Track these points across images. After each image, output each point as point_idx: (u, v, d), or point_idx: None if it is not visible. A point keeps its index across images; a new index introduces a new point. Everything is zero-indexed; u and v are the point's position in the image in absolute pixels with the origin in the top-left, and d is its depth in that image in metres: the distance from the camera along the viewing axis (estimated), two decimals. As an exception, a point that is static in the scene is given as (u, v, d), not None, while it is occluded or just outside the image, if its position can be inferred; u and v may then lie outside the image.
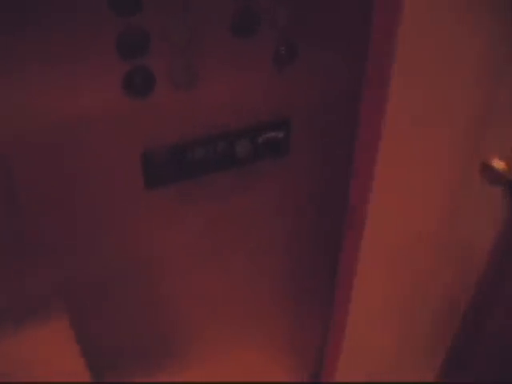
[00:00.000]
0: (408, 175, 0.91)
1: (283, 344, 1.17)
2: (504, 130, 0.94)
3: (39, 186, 0.72)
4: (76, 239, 0.79)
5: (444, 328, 1.29)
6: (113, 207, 0.78)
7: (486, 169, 0.90)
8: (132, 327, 0.96)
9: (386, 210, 0.94)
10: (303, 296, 1.11)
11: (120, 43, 0.63)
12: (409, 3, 0.71)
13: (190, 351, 1.08)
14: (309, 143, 0.86)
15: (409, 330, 1.25)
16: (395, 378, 1.30)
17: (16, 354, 0.87)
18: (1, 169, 0.68)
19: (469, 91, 0.86)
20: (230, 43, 0.70)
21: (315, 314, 1.16)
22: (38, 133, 0.67)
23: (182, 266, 0.90)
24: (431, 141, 0.89)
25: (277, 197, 0.90)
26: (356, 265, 1.01)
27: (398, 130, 0.83)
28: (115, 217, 0.79)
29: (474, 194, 1.00)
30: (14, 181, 0.70)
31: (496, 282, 1.13)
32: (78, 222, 0.77)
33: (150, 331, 0.98)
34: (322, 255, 1.04)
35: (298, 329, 1.16)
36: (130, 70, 0.66)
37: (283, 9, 0.70)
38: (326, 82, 0.80)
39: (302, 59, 0.76)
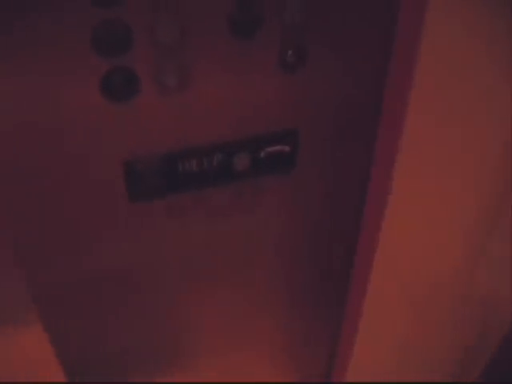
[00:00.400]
0: (425, 211, 0.82)
1: (293, 346, 1.08)
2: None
3: (16, 192, 0.64)
4: (55, 247, 0.72)
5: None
6: (95, 218, 0.70)
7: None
8: (107, 340, 0.89)
9: (400, 237, 0.84)
10: (307, 318, 1.02)
11: (96, 38, 0.55)
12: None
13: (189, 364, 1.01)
14: (318, 158, 0.76)
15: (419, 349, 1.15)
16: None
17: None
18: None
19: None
20: (228, 42, 0.60)
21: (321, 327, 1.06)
22: (10, 137, 0.59)
23: (170, 284, 0.82)
24: (454, 179, 0.79)
25: (280, 217, 0.81)
26: (364, 297, 0.91)
27: (414, 159, 0.73)
28: (97, 229, 0.71)
29: (499, 243, 0.89)
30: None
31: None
32: (56, 229, 0.70)
33: (132, 344, 0.91)
34: (329, 280, 0.94)
35: (308, 332, 1.06)
36: (109, 69, 0.57)
37: (292, 5, 0.60)
38: (338, 91, 0.69)
39: (312, 64, 0.66)
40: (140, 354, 0.94)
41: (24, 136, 0.60)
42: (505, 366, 1.11)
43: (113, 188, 0.67)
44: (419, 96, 0.67)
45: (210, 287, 0.86)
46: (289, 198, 0.79)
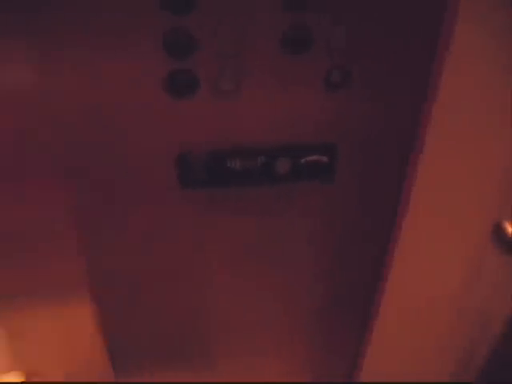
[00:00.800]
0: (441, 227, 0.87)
1: (317, 347, 1.12)
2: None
3: (82, 177, 0.75)
4: (107, 228, 0.82)
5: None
6: (146, 200, 0.79)
7: (498, 232, 0.82)
8: (154, 326, 0.97)
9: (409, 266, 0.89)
10: (334, 316, 1.06)
11: (167, 41, 0.64)
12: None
13: (216, 357, 1.08)
14: (355, 171, 0.82)
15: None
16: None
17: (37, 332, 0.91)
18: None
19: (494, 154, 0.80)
20: (279, 58, 0.68)
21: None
22: (77, 118, 0.69)
23: (206, 270, 0.90)
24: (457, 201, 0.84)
25: (315, 223, 0.87)
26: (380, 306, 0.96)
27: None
28: (146, 210, 0.80)
29: (491, 259, 0.92)
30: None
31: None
32: (115, 212, 0.80)
33: (173, 330, 0.99)
34: (356, 289, 0.99)
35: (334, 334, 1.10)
36: (173, 69, 0.66)
37: (340, 30, 0.67)
38: (379, 110, 0.75)
39: (355, 84, 0.72)
40: (176, 348, 1.02)
41: (93, 122, 0.70)
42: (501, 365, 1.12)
43: (166, 176, 0.76)
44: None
45: (239, 284, 0.93)
46: (325, 206, 0.85)
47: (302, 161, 0.79)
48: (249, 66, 0.69)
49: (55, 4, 0.61)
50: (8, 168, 0.73)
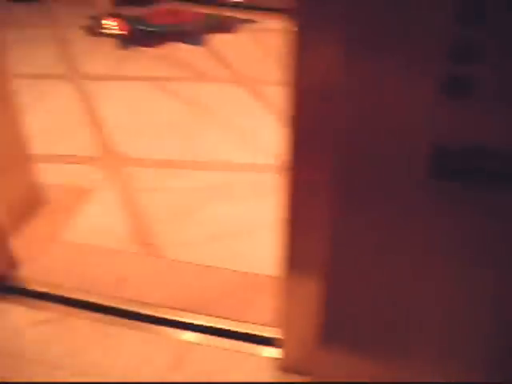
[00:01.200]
0: None
1: None
2: None
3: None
4: (352, 209, 0.98)
5: None
6: (395, 185, 0.94)
7: None
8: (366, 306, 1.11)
9: None
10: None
11: (453, 49, 0.79)
12: None
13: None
14: None
15: None
16: None
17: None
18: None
19: None
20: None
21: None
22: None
23: (425, 259, 1.01)
24: None
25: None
26: None
27: None
28: (393, 193, 0.95)
29: None
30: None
31: None
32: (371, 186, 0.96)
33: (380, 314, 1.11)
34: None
35: None
36: (453, 74, 0.81)
37: None
38: None
39: None
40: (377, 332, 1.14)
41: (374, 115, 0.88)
42: None
43: (418, 166, 0.91)
44: None
45: (451, 282, 1.03)
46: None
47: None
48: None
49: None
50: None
